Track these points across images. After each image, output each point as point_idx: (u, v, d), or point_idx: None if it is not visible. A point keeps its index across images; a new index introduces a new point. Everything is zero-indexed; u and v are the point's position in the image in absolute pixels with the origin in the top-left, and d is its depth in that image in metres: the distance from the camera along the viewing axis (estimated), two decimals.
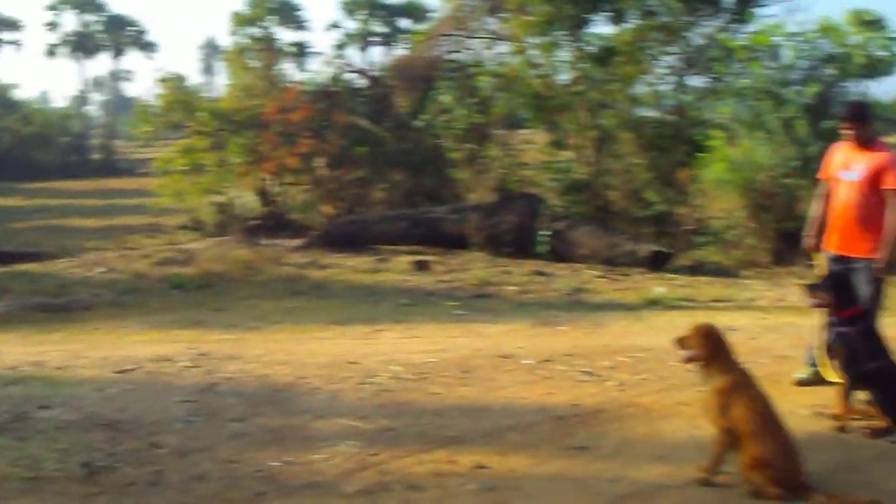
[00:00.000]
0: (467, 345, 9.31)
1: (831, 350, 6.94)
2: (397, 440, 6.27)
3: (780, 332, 10.14)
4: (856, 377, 6.67)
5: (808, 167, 16.06)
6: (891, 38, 20.56)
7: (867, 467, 5.84)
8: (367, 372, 8.05)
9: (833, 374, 6.98)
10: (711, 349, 5.65)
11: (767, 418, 5.48)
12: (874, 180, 7.35)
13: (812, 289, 7.11)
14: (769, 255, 16.45)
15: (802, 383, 7.72)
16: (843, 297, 6.89)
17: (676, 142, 19.20)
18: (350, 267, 15.01)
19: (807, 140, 15.87)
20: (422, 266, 14.88)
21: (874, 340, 6.84)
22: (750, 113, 17.37)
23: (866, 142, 7.47)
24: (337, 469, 5.76)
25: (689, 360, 5.75)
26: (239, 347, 9.17)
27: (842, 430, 6.55)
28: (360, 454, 5.99)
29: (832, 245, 7.66)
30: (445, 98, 19.83)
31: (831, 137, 8.01)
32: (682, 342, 5.80)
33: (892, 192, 7.29)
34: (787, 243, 16.08)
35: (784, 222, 16.21)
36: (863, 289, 7.33)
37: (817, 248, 7.80)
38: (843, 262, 7.52)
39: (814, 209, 7.93)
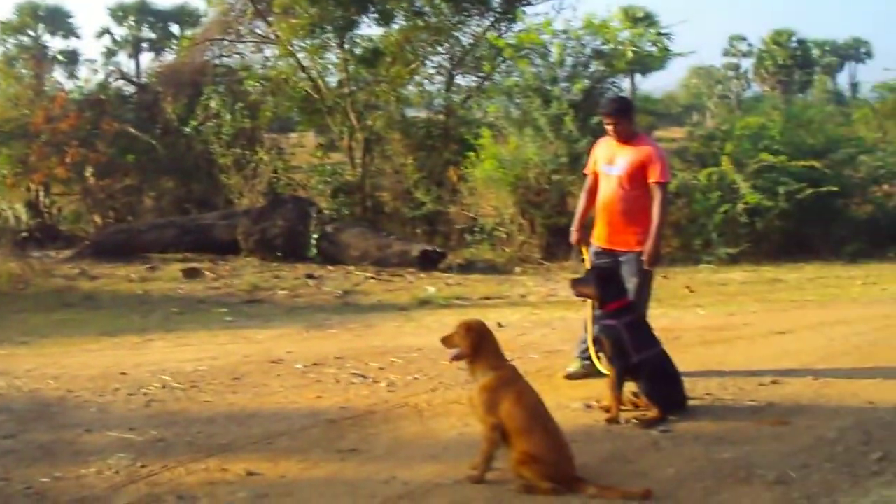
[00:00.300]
0: (237, 351, 9.22)
1: (598, 343, 7.17)
2: (168, 450, 6.14)
3: (550, 327, 10.46)
4: (624, 369, 6.89)
5: (577, 163, 16.53)
6: (661, 34, 21.51)
7: (638, 457, 6.05)
8: (137, 383, 7.87)
9: (604, 367, 7.23)
10: (476, 345, 5.73)
11: (536, 413, 5.58)
12: (637, 174, 7.55)
13: (576, 283, 7.35)
14: (540, 250, 16.84)
15: (573, 377, 7.94)
16: (607, 289, 7.08)
17: (446, 141, 19.53)
18: (120, 277, 14.58)
19: (575, 136, 16.27)
20: (192, 273, 14.57)
21: (642, 332, 7.07)
22: (518, 111, 17.67)
23: (628, 136, 7.65)
24: (107, 482, 5.59)
25: (456, 358, 5.84)
26: (8, 363, 8.83)
27: (613, 421, 6.72)
28: (131, 466, 5.84)
29: (599, 239, 7.85)
30: (214, 103, 19.43)
31: (600, 133, 8.19)
32: (448, 340, 5.88)
33: (657, 185, 7.50)
34: (557, 239, 16.53)
35: (554, 218, 16.61)
36: (630, 281, 7.57)
37: (585, 243, 8.01)
38: (610, 256, 7.74)
39: (581, 204, 8.10)
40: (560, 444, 5.53)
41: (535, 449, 5.40)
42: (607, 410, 6.87)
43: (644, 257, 7.52)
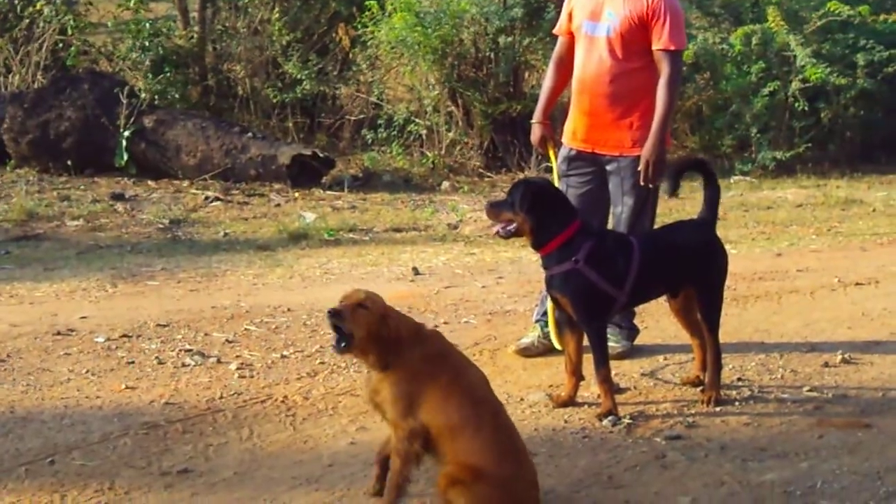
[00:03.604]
0: (2, 318, 9.12)
1: (559, 305, 7.18)
2: None
3: (495, 275, 10.51)
4: (605, 326, 7.03)
5: (539, 18, 16.59)
6: None
7: (633, 479, 6.09)
8: None
9: (561, 342, 7.25)
10: (375, 328, 5.56)
11: (478, 402, 5.51)
12: (635, 36, 7.53)
13: (494, 207, 7.08)
14: (480, 156, 16.86)
15: (529, 352, 8.02)
16: (546, 216, 6.90)
17: None
18: None
19: None
20: None
21: (623, 248, 7.01)
22: None
23: None
24: None
25: (345, 351, 5.65)
26: None
27: (606, 416, 6.83)
28: None
29: (575, 136, 7.84)
30: None
31: None
32: (336, 316, 5.62)
33: (666, 53, 7.48)
34: (507, 136, 16.57)
35: (502, 104, 16.65)
36: (622, 203, 7.63)
37: (554, 142, 8.01)
38: (591, 162, 7.75)
39: (548, 82, 8.09)
40: (516, 451, 5.45)
41: (478, 458, 5.29)
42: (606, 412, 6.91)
43: (641, 166, 7.50)
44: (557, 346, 7.44)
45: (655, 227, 7.91)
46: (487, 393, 5.60)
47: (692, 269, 7.16)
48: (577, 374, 7.09)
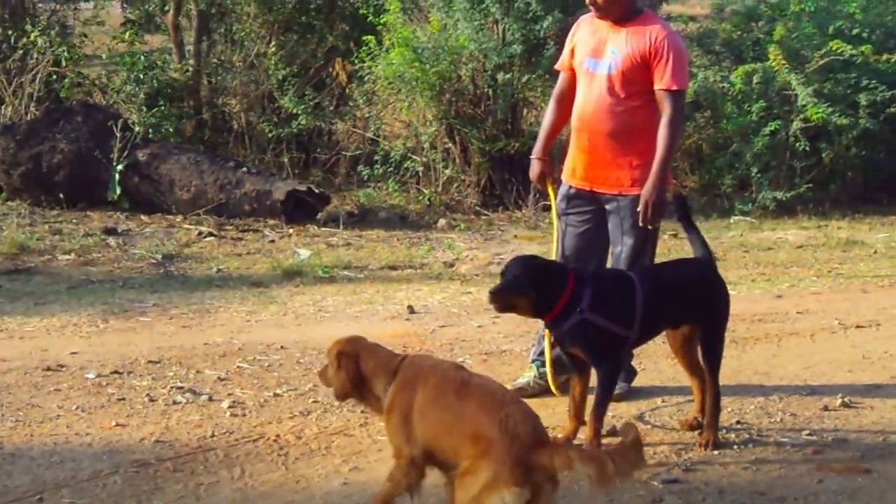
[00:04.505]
0: None
1: (560, 364, 7.19)
2: None
3: (492, 314, 10.45)
4: (618, 367, 7.06)
5: (538, 54, 16.61)
6: None
7: None
8: None
9: (559, 387, 7.27)
10: (355, 376, 5.83)
11: (492, 398, 5.53)
12: (637, 75, 7.55)
13: (498, 294, 6.96)
14: (477, 193, 16.87)
15: (526, 392, 7.93)
16: (546, 288, 6.86)
17: (329, 18, 19.38)
18: None
19: (535, 11, 16.21)
20: None
21: (622, 285, 7.03)
22: None
23: (626, 13, 7.62)
24: None
25: (340, 398, 6.06)
26: None
27: None
28: None
29: (575, 174, 7.85)
30: None
31: (576, 7, 8.14)
32: (323, 375, 6.10)
33: (668, 93, 7.48)
34: (505, 173, 16.60)
35: (500, 142, 16.67)
36: (622, 242, 7.63)
37: (554, 179, 8.04)
38: (590, 201, 7.78)
39: (548, 118, 8.13)
40: (501, 404, 5.46)
41: (479, 431, 5.35)
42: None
43: (640, 206, 7.50)
44: (554, 390, 7.46)
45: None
46: (496, 390, 5.67)
47: (696, 305, 7.17)
48: (578, 418, 7.08)
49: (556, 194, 7.94)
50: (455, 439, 5.42)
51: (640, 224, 7.50)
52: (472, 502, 5.24)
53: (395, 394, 5.71)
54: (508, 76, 16.66)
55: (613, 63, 7.57)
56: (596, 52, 7.67)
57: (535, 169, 8.07)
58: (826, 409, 7.83)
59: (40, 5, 20.61)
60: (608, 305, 6.84)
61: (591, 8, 7.67)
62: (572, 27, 8.05)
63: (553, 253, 7.98)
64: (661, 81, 7.47)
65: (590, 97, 7.70)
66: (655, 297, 6.94)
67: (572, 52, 7.89)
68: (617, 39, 7.59)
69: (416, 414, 5.59)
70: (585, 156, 7.76)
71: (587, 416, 6.96)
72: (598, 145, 7.69)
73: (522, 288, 6.80)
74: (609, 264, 7.89)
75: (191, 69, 18.61)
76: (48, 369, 8.58)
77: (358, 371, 5.82)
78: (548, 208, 8.11)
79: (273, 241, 14.43)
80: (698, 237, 7.41)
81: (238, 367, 8.69)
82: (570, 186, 7.84)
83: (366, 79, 17.70)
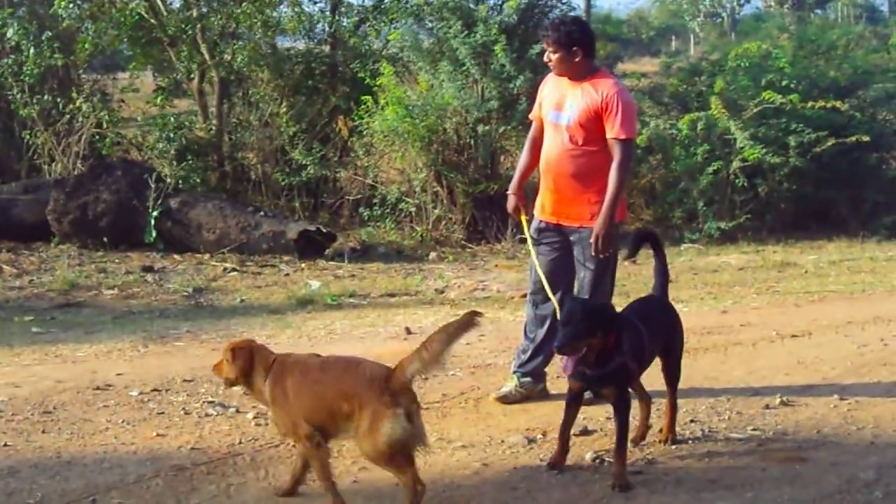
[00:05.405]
0: (49, 375, 9.09)
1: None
2: None
3: (478, 332, 10.41)
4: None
5: (512, 109, 16.64)
6: None
7: None
8: None
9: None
10: (247, 369, 6.24)
11: (348, 363, 6.10)
12: (591, 125, 7.57)
13: (566, 343, 6.41)
14: (463, 229, 16.90)
15: (508, 399, 8.01)
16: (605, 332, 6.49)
17: (332, 81, 19.41)
18: None
19: (509, 72, 16.23)
20: None
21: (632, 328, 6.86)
22: (431, 39, 17.55)
23: (583, 72, 7.65)
24: None
25: (228, 385, 6.56)
26: None
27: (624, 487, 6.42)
28: None
29: (543, 210, 7.91)
30: (11, 32, 18.96)
31: (542, 68, 8.16)
32: (218, 368, 6.45)
33: (618, 142, 7.50)
34: (486, 212, 16.62)
35: (482, 185, 16.74)
36: (584, 269, 7.68)
37: (526, 210, 8.06)
38: (556, 233, 7.82)
39: (522, 160, 8.18)
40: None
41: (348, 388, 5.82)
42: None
43: (592, 239, 7.53)
44: None
45: (618, 299, 7.84)
46: (317, 358, 6.27)
47: (666, 338, 7.18)
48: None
49: (528, 224, 7.99)
50: (331, 404, 5.83)
51: (593, 254, 7.54)
52: (371, 444, 5.65)
53: (272, 389, 6.11)
54: (487, 128, 16.68)
55: (572, 116, 7.61)
56: (558, 106, 7.73)
57: (510, 202, 8.11)
58: (767, 407, 7.85)
59: (84, 76, 20.60)
60: (633, 348, 6.68)
61: (553, 70, 7.74)
62: (541, 83, 8.10)
63: (530, 277, 8.05)
64: (612, 131, 7.50)
65: (554, 144, 7.76)
66: (651, 336, 6.91)
67: (540, 104, 7.95)
68: (574, 95, 7.63)
69: (292, 399, 5.99)
70: (552, 194, 7.82)
71: (612, 456, 6.59)
72: (561, 185, 7.75)
73: (592, 333, 6.38)
74: (575, 288, 7.90)
75: (214, 128, 18.67)
76: (97, 388, 8.58)
77: (245, 364, 6.19)
78: (524, 241, 8.11)
79: (288, 274, 14.45)
80: (662, 269, 7.45)
81: None
82: (541, 220, 7.89)
83: (364, 133, 17.71)
